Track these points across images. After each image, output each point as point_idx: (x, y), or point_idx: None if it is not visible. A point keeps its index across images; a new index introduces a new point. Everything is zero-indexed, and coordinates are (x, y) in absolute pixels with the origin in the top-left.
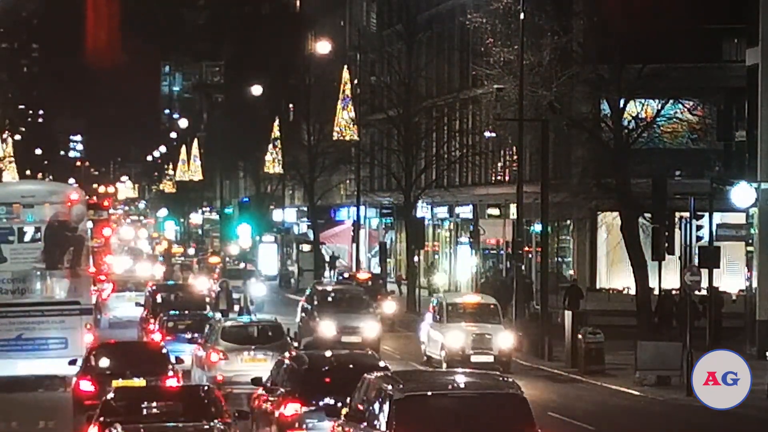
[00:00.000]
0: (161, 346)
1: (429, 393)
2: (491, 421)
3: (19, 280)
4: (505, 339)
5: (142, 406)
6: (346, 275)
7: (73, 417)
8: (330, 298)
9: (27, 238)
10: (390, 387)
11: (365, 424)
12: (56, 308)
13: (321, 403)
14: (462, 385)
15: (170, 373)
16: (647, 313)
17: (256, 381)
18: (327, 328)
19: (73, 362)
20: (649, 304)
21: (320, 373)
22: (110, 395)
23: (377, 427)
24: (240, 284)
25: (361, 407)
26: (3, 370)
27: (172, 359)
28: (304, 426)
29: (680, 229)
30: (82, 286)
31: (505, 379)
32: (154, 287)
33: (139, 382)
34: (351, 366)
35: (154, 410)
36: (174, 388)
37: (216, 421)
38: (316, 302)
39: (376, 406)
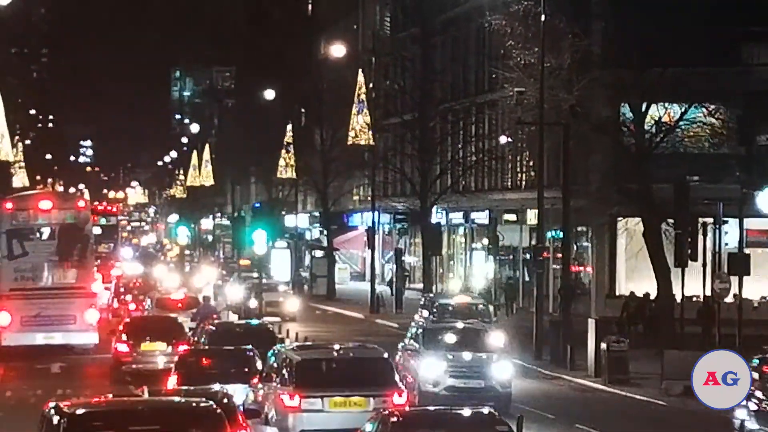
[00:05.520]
0: (178, 320)
1: (319, 357)
2: (363, 376)
3: (38, 269)
4: None
5: (203, 365)
6: None
7: (113, 370)
8: None
9: (44, 236)
10: (293, 355)
11: (277, 382)
12: (67, 291)
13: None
14: (343, 352)
15: (183, 339)
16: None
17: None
18: None
19: (112, 333)
20: (672, 311)
21: (227, 334)
22: (181, 355)
23: (285, 383)
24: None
25: (273, 372)
26: (25, 341)
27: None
28: None
29: (703, 234)
30: (87, 274)
31: (375, 348)
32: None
33: (161, 345)
34: (248, 332)
35: (214, 370)
36: (228, 351)
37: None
38: None
39: (284, 369)
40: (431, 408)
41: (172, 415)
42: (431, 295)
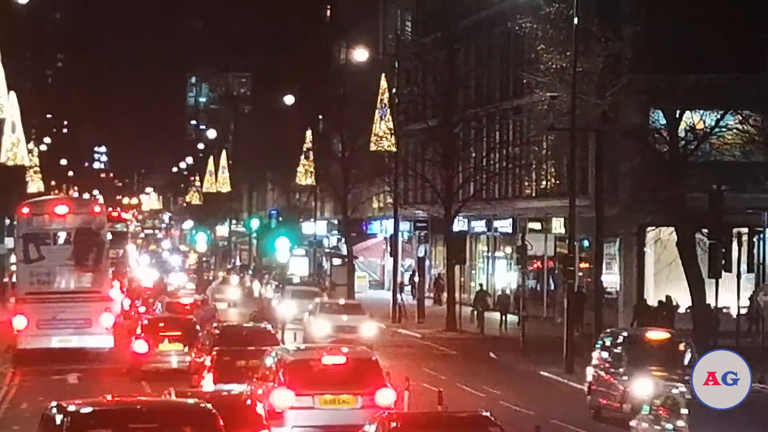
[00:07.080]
0: (193, 320)
1: (310, 358)
2: (350, 375)
3: (54, 273)
4: None
5: (237, 364)
6: None
7: (131, 368)
8: None
9: (60, 241)
10: (287, 356)
11: (271, 381)
12: (82, 295)
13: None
14: (331, 352)
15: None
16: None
17: None
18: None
19: (130, 333)
20: (707, 323)
21: (233, 336)
22: (216, 354)
23: (278, 382)
24: None
25: (267, 372)
26: (41, 344)
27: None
28: None
29: (738, 244)
30: (102, 278)
31: (363, 348)
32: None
33: (178, 345)
34: (252, 335)
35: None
36: (261, 351)
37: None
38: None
39: (279, 369)
40: (427, 410)
41: (169, 414)
42: (608, 330)
